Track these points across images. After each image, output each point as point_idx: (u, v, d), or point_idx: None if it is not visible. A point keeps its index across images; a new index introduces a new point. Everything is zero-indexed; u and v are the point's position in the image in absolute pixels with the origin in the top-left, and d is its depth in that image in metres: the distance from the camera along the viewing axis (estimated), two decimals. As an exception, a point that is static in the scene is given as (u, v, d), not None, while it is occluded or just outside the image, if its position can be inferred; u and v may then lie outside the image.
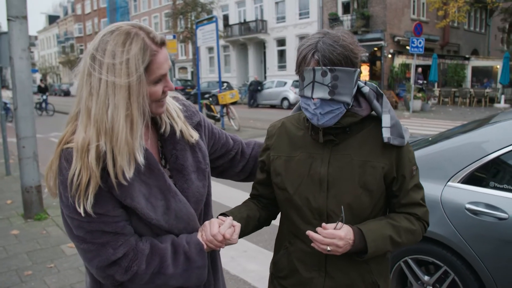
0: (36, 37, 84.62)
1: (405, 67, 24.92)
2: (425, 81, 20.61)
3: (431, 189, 2.58)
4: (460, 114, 17.11)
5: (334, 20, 26.80)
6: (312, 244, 1.29)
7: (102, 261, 1.15)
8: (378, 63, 26.53)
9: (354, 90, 1.32)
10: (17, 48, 4.85)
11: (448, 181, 2.55)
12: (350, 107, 1.33)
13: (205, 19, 13.66)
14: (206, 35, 12.28)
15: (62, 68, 66.42)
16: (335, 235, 1.24)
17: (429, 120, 15.56)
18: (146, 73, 1.14)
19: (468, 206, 2.42)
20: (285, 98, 22.76)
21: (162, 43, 1.18)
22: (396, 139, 1.33)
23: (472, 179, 2.50)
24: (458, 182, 2.53)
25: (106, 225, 1.15)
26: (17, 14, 4.80)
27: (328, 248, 1.25)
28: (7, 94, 18.17)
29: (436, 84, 23.88)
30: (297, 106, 1.56)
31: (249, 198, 1.61)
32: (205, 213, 1.40)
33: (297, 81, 23.94)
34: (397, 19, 25.94)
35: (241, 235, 1.36)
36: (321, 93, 1.27)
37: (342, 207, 1.29)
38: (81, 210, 1.11)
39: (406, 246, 1.42)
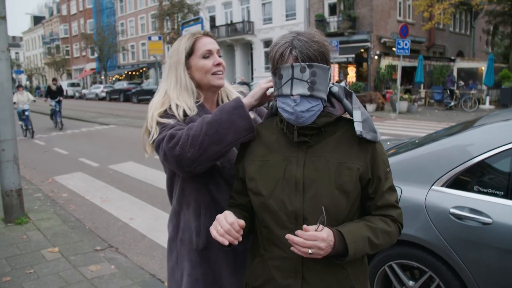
0: (21, 38, 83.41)
1: (392, 68, 25.11)
2: (462, 83, 20.91)
3: (416, 193, 2.56)
4: (446, 116, 17.27)
5: (320, 21, 26.90)
6: (292, 248, 1.26)
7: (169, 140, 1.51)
8: (364, 64, 26.69)
9: (328, 87, 1.34)
10: (-5, 49, 4.74)
11: (433, 185, 2.53)
12: (324, 107, 1.35)
13: (190, 20, 13.57)
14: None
15: (48, 69, 65.56)
16: (317, 237, 1.22)
17: (415, 122, 15.67)
18: (193, 52, 1.66)
19: (452, 210, 2.40)
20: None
21: (206, 34, 1.71)
22: (368, 133, 1.34)
23: (457, 183, 2.48)
24: (443, 186, 2.50)
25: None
26: (-5, 15, 4.68)
27: (310, 251, 1.22)
28: (24, 98, 14.16)
29: (422, 86, 24.09)
30: (266, 115, 1.56)
31: (228, 207, 1.55)
32: None
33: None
34: (384, 21, 26.13)
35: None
36: (300, 89, 1.27)
37: (323, 208, 1.26)
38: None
39: (383, 248, 1.39)
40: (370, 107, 19.57)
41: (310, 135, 1.37)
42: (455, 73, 24.85)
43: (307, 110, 1.29)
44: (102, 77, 48.74)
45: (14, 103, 12.95)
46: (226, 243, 1.28)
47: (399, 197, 2.62)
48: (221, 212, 1.39)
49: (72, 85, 46.80)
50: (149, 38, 16.28)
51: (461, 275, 2.40)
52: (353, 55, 24.52)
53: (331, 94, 1.40)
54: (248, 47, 33.13)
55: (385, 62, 25.60)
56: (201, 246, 1.64)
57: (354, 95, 1.41)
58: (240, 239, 1.31)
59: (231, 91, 1.82)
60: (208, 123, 1.45)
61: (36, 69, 70.45)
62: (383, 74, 25.11)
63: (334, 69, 25.53)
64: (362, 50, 25.84)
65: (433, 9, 22.17)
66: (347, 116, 1.40)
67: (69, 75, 59.92)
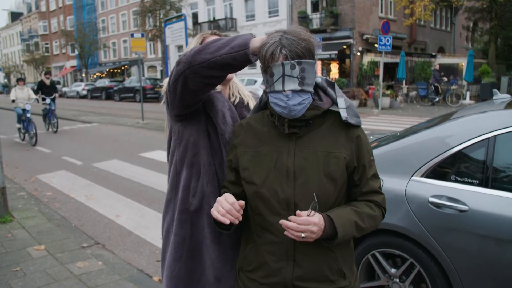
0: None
1: (374, 64, 25.43)
2: (445, 79, 21.13)
3: (397, 183, 2.67)
4: (427, 111, 17.59)
5: (303, 18, 27.05)
6: (285, 233, 1.34)
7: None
8: (347, 60, 26.96)
9: (315, 80, 1.44)
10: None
11: (412, 175, 2.64)
12: (313, 100, 1.44)
13: (173, 17, 13.54)
14: (175, 34, 12.17)
15: (27, 66, 64.36)
16: (310, 222, 1.31)
17: (397, 117, 15.93)
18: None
19: (431, 199, 2.51)
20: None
21: (213, 33, 1.86)
22: (353, 118, 1.46)
23: (435, 173, 2.60)
24: (422, 176, 2.62)
25: None
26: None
27: (303, 235, 1.32)
28: (24, 95, 12.08)
29: (404, 82, 24.46)
30: (255, 108, 1.64)
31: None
32: None
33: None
34: (366, 17, 26.43)
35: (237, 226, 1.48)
36: (292, 85, 1.36)
37: (315, 194, 1.35)
38: None
39: (368, 231, 1.50)
40: (353, 103, 19.74)
41: (299, 127, 1.46)
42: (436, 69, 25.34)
43: (299, 104, 1.38)
44: (83, 75, 48.09)
45: (13, 101, 11.69)
46: (228, 221, 1.37)
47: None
48: (219, 177, 1.63)
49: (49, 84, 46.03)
50: (132, 35, 16.16)
51: (440, 261, 2.52)
52: (336, 52, 24.75)
53: (316, 85, 1.49)
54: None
55: (368, 58, 25.91)
56: (194, 207, 1.73)
57: (336, 85, 1.52)
58: (241, 218, 1.40)
59: (242, 87, 1.98)
60: (213, 40, 1.56)
61: (14, 66, 69.04)
62: (366, 71, 25.42)
63: (318, 66, 25.71)
64: (344, 47, 26.09)
65: (414, 6, 22.51)
66: (334, 109, 1.49)
67: (49, 73, 58.92)
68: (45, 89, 13.26)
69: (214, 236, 1.73)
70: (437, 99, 20.11)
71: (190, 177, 1.75)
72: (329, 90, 1.51)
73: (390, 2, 28.55)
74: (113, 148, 10.22)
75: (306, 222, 1.31)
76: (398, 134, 3.35)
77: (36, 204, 5.84)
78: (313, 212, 1.33)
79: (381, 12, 28.15)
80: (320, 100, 1.49)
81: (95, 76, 47.14)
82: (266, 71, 1.39)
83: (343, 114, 1.45)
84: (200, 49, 1.52)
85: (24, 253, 4.16)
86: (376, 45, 20.43)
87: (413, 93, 21.80)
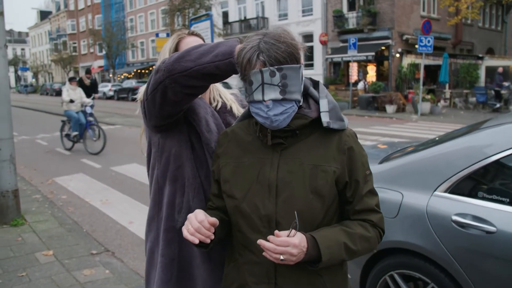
0: (27, 34, 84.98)
1: (414, 67, 24.89)
2: (506, 83, 20.19)
3: (417, 199, 2.56)
4: (472, 118, 17.04)
5: (338, 17, 26.83)
6: (264, 254, 1.29)
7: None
8: (385, 62, 26.54)
9: (302, 86, 1.36)
10: (-8, 45, 4.86)
11: (435, 190, 2.53)
12: (299, 108, 1.37)
13: (200, 16, 13.69)
14: (201, 33, 12.29)
15: (54, 66, 66.60)
16: (289, 243, 1.25)
17: (438, 124, 15.51)
18: (178, 49, 1.74)
19: (454, 218, 2.40)
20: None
21: (192, 34, 1.81)
22: (336, 122, 1.39)
23: (460, 188, 2.47)
24: (445, 191, 2.50)
25: None
26: (-7, 10, 4.81)
27: (281, 257, 1.25)
28: (76, 95, 10.83)
29: (447, 86, 23.83)
30: (243, 114, 1.58)
31: (207, 210, 1.59)
32: None
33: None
34: (406, 16, 25.94)
35: (216, 238, 1.41)
36: (272, 94, 1.30)
37: (296, 212, 1.28)
38: None
39: (362, 255, 1.42)
40: (390, 108, 19.43)
41: (284, 137, 1.40)
42: (483, 72, 24.51)
43: (281, 113, 1.31)
44: (111, 75, 49.33)
45: (71, 101, 10.49)
46: (196, 241, 1.31)
47: (400, 203, 2.63)
48: (206, 189, 1.59)
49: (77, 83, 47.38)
50: (157, 35, 16.45)
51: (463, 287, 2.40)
52: (373, 53, 24.40)
53: (305, 91, 1.44)
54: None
55: (407, 60, 25.40)
56: (180, 224, 1.68)
57: (321, 84, 1.45)
58: (212, 237, 1.34)
59: (224, 90, 1.92)
60: (195, 45, 1.51)
61: (42, 66, 71.60)
62: (405, 73, 24.90)
63: (353, 68, 25.43)
64: (382, 48, 25.70)
65: (460, 3, 21.92)
66: (344, 128, 1.43)
67: (76, 73, 60.76)
68: (85, 89, 11.88)
69: (203, 254, 1.69)
70: (497, 105, 19.06)
71: (174, 192, 1.70)
72: (311, 90, 1.44)
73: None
74: (134, 151, 10.37)
75: (285, 243, 1.24)
76: (422, 144, 3.24)
77: (50, 208, 5.98)
78: (293, 232, 1.26)
79: (423, 10, 27.58)
80: (308, 107, 1.42)
81: (122, 77, 48.24)
82: (245, 79, 1.33)
83: (325, 118, 1.37)
84: (180, 56, 1.47)
85: (31, 258, 4.25)
86: (416, 46, 20.02)
87: (472, 99, 20.97)
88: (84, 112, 10.85)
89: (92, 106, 11.23)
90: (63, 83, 49.81)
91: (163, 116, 1.62)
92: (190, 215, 1.36)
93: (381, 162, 3.09)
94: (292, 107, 1.33)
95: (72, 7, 61.28)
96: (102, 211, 6.02)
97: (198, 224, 1.32)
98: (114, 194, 6.85)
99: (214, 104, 1.85)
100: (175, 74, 1.46)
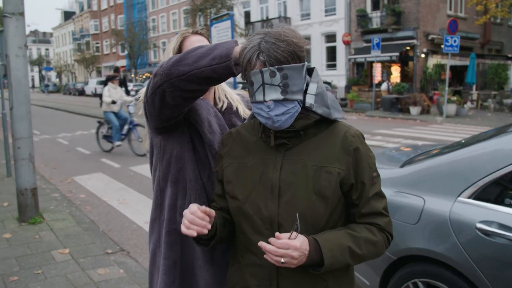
0: (51, 34, 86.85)
1: (440, 68, 24.47)
2: None
3: (440, 205, 2.47)
4: (500, 120, 16.64)
5: (362, 17, 26.57)
6: (264, 256, 1.26)
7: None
8: (410, 63, 26.15)
9: (305, 85, 1.34)
10: (13, 45, 4.94)
11: (459, 196, 2.43)
12: (303, 107, 1.35)
13: (220, 16, 13.71)
14: (221, 33, 12.26)
15: (77, 66, 67.88)
16: (289, 246, 1.23)
17: (464, 126, 15.21)
18: (181, 52, 1.69)
19: (479, 225, 2.30)
20: (307, 100, 22.58)
21: (195, 32, 1.78)
22: (320, 107, 1.36)
23: (485, 194, 2.37)
24: (470, 197, 2.40)
25: None
26: (13, 11, 4.89)
27: (282, 260, 1.23)
28: (118, 95, 10.27)
29: (474, 87, 23.34)
30: (251, 115, 1.56)
31: None
32: None
33: (325, 82, 23.81)
34: (432, 16, 25.50)
35: (218, 237, 1.42)
36: (273, 94, 1.28)
37: (297, 214, 1.26)
38: None
39: (368, 259, 1.38)
40: (415, 110, 19.14)
41: (288, 138, 1.38)
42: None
43: (283, 114, 1.30)
44: (132, 75, 49.98)
45: (113, 102, 9.99)
46: (194, 234, 1.30)
47: (421, 208, 2.54)
48: (208, 191, 1.59)
49: (101, 83, 48.17)
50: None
51: (488, 298, 2.30)
52: (397, 54, 24.05)
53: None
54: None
55: (433, 61, 24.99)
56: None
57: (316, 70, 1.42)
58: (208, 226, 1.32)
59: (230, 90, 1.90)
60: (192, 48, 1.49)
61: (65, 66, 73.04)
62: (430, 74, 24.50)
63: (377, 69, 25.15)
64: (407, 48, 25.33)
65: (488, 2, 21.39)
66: (330, 117, 1.40)
67: (99, 73, 61.80)
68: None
69: (206, 256, 1.67)
70: None
71: (176, 195, 1.69)
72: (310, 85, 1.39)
73: (461, -2, 27.44)
74: (152, 151, 10.44)
75: (286, 246, 1.22)
76: (447, 147, 3.13)
77: (68, 207, 6.05)
78: (294, 234, 1.24)
79: (450, 9, 27.06)
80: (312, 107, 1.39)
81: (144, 77, 48.81)
82: (246, 79, 1.32)
83: (309, 101, 1.34)
84: (177, 60, 1.46)
85: (48, 256, 4.30)
86: (442, 46, 19.67)
87: (508, 101, 20.45)
88: (120, 114, 10.40)
89: (134, 105, 10.62)
90: (86, 83, 50.78)
91: (163, 119, 1.61)
92: (185, 211, 1.35)
93: (402, 166, 3.01)
94: (294, 107, 1.31)
95: (95, 8, 62.37)
96: (119, 210, 6.06)
97: (191, 216, 1.31)
98: (131, 194, 6.89)
99: (219, 105, 1.83)
100: (173, 79, 1.45)
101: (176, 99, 1.50)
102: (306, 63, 1.33)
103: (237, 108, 1.84)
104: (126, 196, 6.79)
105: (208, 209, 1.35)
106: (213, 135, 1.65)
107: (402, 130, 14.32)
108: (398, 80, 25.95)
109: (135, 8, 51.78)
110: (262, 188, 1.38)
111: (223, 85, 1.87)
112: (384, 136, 13.04)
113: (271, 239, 1.25)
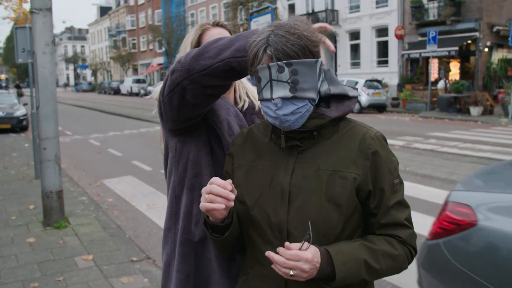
0: (87, 31, 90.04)
1: (507, 63, 23.59)
2: None
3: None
4: None
5: (417, 8, 25.97)
6: (272, 266, 1.25)
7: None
8: (471, 58, 25.34)
9: (319, 83, 1.32)
10: (40, 42, 5.16)
11: None
12: (316, 104, 1.33)
13: (261, 9, 13.77)
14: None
15: (113, 63, 69.93)
16: (300, 257, 1.20)
17: (532, 129, 14.57)
18: (200, 42, 1.71)
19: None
20: (355, 100, 22.30)
21: (216, 24, 1.76)
22: (336, 87, 1.38)
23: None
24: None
25: None
26: (40, 6, 5.11)
27: (291, 273, 1.21)
28: None
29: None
30: None
31: None
32: None
33: (370, 80, 23.48)
34: (497, 5, 24.57)
35: (234, 231, 1.40)
36: (281, 91, 1.27)
37: (310, 223, 1.23)
38: None
39: (387, 275, 1.34)
40: (475, 110, 18.54)
41: (301, 139, 1.37)
42: None
43: (292, 113, 1.28)
44: (169, 73, 50.87)
45: None
46: (223, 206, 1.26)
47: None
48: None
49: (138, 81, 49.52)
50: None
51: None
52: (457, 48, 23.35)
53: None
54: (331, 39, 32.25)
55: (498, 55, 24.11)
56: (198, 237, 1.67)
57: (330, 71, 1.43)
58: (233, 196, 1.29)
59: (252, 88, 1.88)
60: (212, 41, 1.49)
61: (101, 64, 75.43)
62: (495, 70, 23.64)
63: (433, 65, 24.51)
64: (469, 42, 24.58)
65: None
66: (348, 94, 1.38)
67: (135, 71, 63.45)
68: None
69: (223, 269, 1.66)
70: None
71: (192, 202, 1.68)
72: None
73: (531, -14, 26.32)
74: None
75: (296, 258, 1.19)
76: None
77: (95, 211, 6.25)
78: (306, 244, 1.21)
79: (519, -2, 26.03)
80: (327, 106, 1.38)
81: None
82: (253, 75, 1.32)
83: (323, 88, 1.35)
84: (198, 54, 1.45)
85: (70, 262, 4.45)
86: (509, 39, 18.93)
87: None
88: None
89: None
90: (121, 81, 52.26)
91: (181, 119, 1.60)
92: (208, 186, 1.31)
93: None
94: (305, 105, 1.29)
95: (131, 2, 64.13)
96: (147, 216, 6.20)
97: (218, 188, 1.26)
98: (161, 198, 7.03)
99: (240, 104, 1.81)
100: (194, 74, 1.45)
101: (198, 97, 1.50)
102: (320, 59, 1.31)
103: (259, 108, 1.82)
104: (155, 200, 6.94)
105: (230, 180, 1.31)
106: (232, 138, 1.63)
107: (460, 133, 13.91)
108: (457, 77, 25.19)
109: (173, 2, 52.84)
110: (272, 193, 1.36)
111: (245, 82, 1.86)
112: (438, 139, 12.69)
113: (280, 249, 1.23)
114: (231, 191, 1.29)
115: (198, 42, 1.74)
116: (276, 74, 1.25)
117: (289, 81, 1.25)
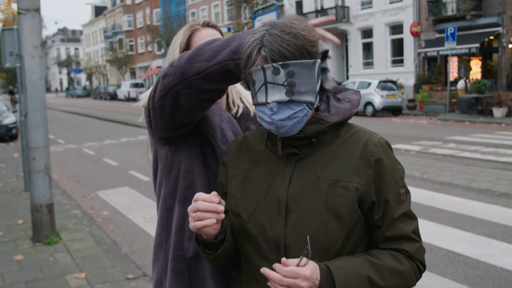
0: (81, 32, 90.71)
1: (532, 60, 23.48)
2: None
3: None
4: None
5: (434, 3, 25.95)
6: (268, 284, 1.24)
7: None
8: (494, 56, 25.28)
9: (318, 86, 1.31)
10: (27, 45, 5.19)
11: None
12: (314, 107, 1.32)
13: (266, 6, 13.82)
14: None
15: (109, 67, 70.28)
16: (298, 274, 1.19)
17: (561, 132, 14.48)
18: (189, 47, 1.71)
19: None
20: (369, 103, 22.32)
21: (207, 24, 1.77)
22: (327, 83, 1.37)
23: None
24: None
25: None
26: (28, 7, 5.15)
27: None
28: None
29: None
30: None
31: None
32: None
33: (384, 81, 23.46)
34: (522, -2, 24.53)
35: (227, 247, 1.39)
36: (277, 95, 1.26)
37: (308, 237, 1.22)
38: None
39: None
40: (499, 111, 18.46)
41: (299, 146, 1.35)
42: None
43: (288, 118, 1.27)
44: (169, 76, 51.07)
45: None
46: (214, 221, 1.26)
47: None
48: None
49: (136, 85, 49.63)
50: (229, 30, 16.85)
51: None
52: (478, 45, 23.31)
53: (324, 91, 1.39)
54: (342, 38, 32.82)
55: (523, 52, 24.01)
56: (191, 253, 1.65)
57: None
58: (222, 208, 1.28)
59: (246, 93, 1.88)
60: (206, 42, 1.49)
61: (96, 67, 75.80)
62: (520, 69, 23.55)
63: (452, 64, 24.44)
64: (490, 38, 24.54)
65: None
66: (349, 122, 1.38)
67: (133, 74, 63.75)
68: None
69: (220, 286, 1.64)
70: None
71: (184, 215, 1.65)
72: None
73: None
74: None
75: (294, 275, 1.18)
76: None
77: (89, 225, 6.26)
78: (305, 260, 1.20)
79: (544, -9, 25.96)
80: (327, 110, 1.36)
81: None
82: (246, 78, 1.31)
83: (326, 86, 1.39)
84: (192, 56, 1.45)
85: (61, 281, 4.45)
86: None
87: None
88: None
89: None
90: (118, 86, 52.48)
91: (172, 127, 1.60)
92: (193, 203, 1.31)
93: None
94: (303, 110, 1.28)
95: (128, 1, 64.56)
96: (145, 229, 6.20)
97: (205, 204, 1.27)
98: (159, 211, 7.02)
99: (234, 110, 1.81)
100: (189, 78, 1.45)
101: (192, 102, 1.50)
102: (319, 60, 1.30)
103: (255, 114, 1.81)
104: (153, 213, 6.86)
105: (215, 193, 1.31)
106: (226, 145, 1.63)
107: (482, 136, 13.85)
108: (478, 76, 25.10)
109: (173, 1, 53.11)
110: (268, 205, 1.35)
111: (238, 86, 1.86)
112: (458, 143, 12.62)
113: (276, 266, 1.22)
114: (219, 203, 1.28)
115: (187, 44, 1.75)
116: (271, 76, 1.24)
117: (285, 83, 1.25)
